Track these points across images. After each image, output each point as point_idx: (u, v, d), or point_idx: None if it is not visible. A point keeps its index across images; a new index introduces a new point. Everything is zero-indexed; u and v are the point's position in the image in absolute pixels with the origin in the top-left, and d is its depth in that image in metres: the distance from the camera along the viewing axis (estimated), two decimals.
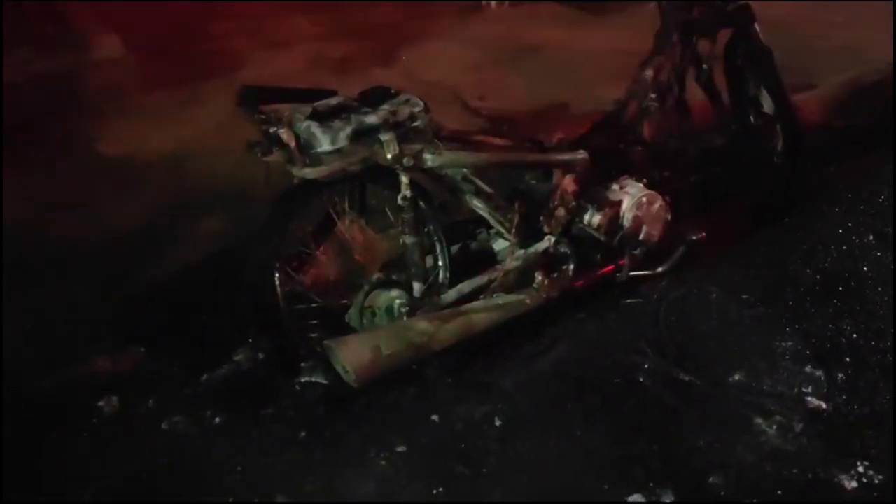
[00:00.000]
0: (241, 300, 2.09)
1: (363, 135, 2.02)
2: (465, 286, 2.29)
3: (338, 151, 1.99)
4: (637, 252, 2.51)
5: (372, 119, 2.03)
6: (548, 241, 2.39)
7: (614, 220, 2.45)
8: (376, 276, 2.24)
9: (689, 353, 2.27)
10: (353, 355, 2.01)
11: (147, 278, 2.52)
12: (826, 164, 3.25)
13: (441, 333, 2.15)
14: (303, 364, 2.26)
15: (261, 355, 2.34)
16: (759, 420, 2.01)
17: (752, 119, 2.79)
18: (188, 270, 2.56)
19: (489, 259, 2.44)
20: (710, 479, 1.85)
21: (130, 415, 2.13)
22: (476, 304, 2.26)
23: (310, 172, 1.99)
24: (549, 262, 2.40)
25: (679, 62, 2.59)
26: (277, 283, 2.09)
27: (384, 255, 2.28)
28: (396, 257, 2.27)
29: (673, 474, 1.88)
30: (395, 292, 2.24)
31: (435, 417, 2.09)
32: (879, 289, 2.48)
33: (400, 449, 2.00)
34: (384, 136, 2.02)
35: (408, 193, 2.10)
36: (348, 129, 2.00)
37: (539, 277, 2.37)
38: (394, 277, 2.26)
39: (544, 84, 3.65)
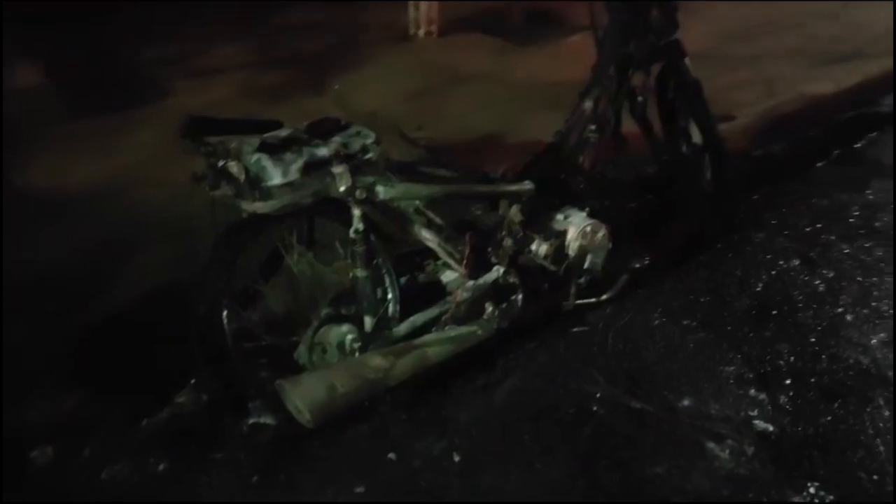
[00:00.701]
0: (188, 339, 1.99)
1: (315, 167, 1.98)
2: (417, 319, 2.27)
3: (289, 185, 1.94)
4: (582, 281, 2.55)
5: (323, 151, 1.99)
6: (496, 272, 2.40)
7: (560, 250, 2.48)
8: (325, 311, 2.19)
9: (638, 380, 2.31)
10: (307, 395, 1.95)
11: (81, 318, 2.38)
12: (750, 192, 3.39)
13: (396, 368, 2.11)
14: (250, 404, 2.19)
15: (205, 396, 2.24)
16: (711, 445, 2.06)
17: (683, 149, 2.88)
18: (125, 309, 2.43)
19: (437, 290, 2.42)
20: None
21: (67, 465, 2.00)
22: (429, 336, 2.24)
23: (261, 207, 1.93)
24: (498, 292, 2.40)
25: (615, 95, 2.65)
26: (225, 320, 2.02)
27: (333, 289, 2.24)
28: (345, 291, 2.23)
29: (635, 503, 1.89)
30: (345, 327, 2.20)
31: (392, 455, 2.06)
32: (810, 312, 2.59)
33: (358, 490, 1.96)
34: (337, 169, 1.98)
35: (360, 227, 2.07)
36: (300, 162, 1.95)
37: (489, 308, 2.36)
38: (343, 312, 2.22)
39: (479, 114, 3.68)
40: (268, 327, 2.16)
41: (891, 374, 2.31)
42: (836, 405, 2.20)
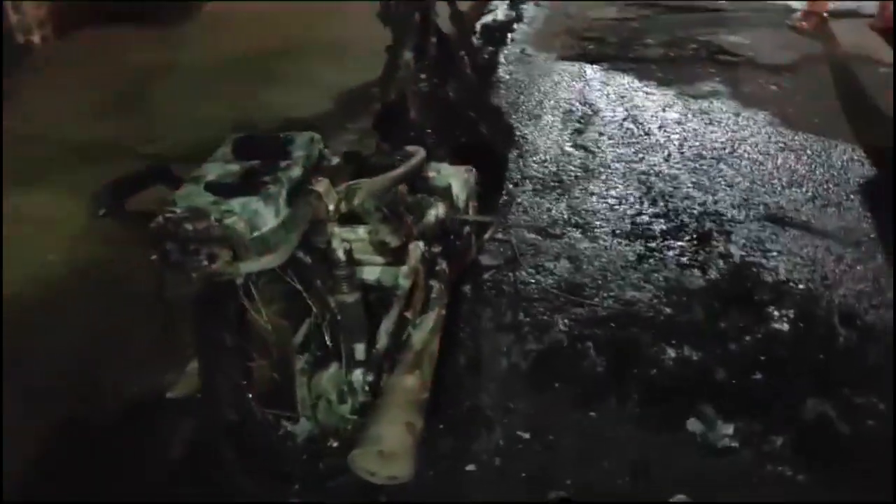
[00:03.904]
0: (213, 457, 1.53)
1: (294, 194, 1.60)
2: (387, 326, 2.03)
3: (283, 224, 1.55)
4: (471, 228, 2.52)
5: (297, 171, 1.62)
6: (418, 248, 2.23)
7: (453, 205, 2.41)
8: (305, 359, 1.84)
9: (589, 292, 2.41)
10: (397, 447, 1.65)
11: None
12: None
13: (426, 380, 1.89)
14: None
15: None
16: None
17: (470, 76, 2.97)
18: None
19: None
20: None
21: None
22: (418, 336, 2.02)
23: (270, 261, 1.52)
24: (430, 267, 2.25)
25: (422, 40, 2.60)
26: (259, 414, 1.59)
27: (291, 331, 1.88)
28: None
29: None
30: (333, 368, 1.87)
31: (472, 467, 1.86)
32: (629, 185, 2.96)
33: None
34: (320, 186, 1.63)
35: (347, 245, 1.76)
36: (284, 193, 1.56)
37: (436, 285, 2.21)
38: (318, 353, 1.89)
39: (204, 106, 3.20)
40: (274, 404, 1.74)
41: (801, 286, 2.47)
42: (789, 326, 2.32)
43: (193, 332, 1.57)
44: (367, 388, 1.86)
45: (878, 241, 2.57)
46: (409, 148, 2.26)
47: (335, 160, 1.73)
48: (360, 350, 1.87)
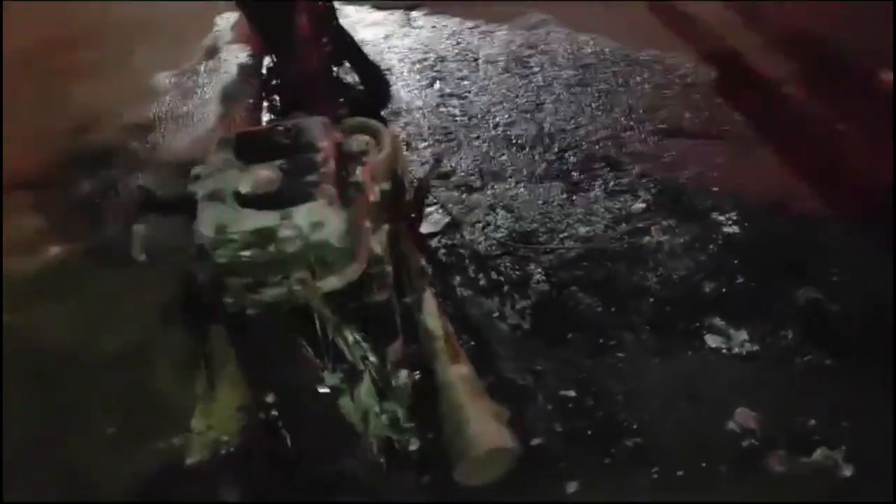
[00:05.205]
0: None
1: None
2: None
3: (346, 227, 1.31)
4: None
5: (332, 165, 1.37)
6: (381, 231, 2.04)
7: (395, 176, 2.22)
8: (332, 381, 1.62)
9: (544, 236, 2.36)
10: (502, 443, 1.51)
11: None
12: None
13: (470, 367, 1.75)
14: None
15: None
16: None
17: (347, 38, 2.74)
18: None
19: None
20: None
21: None
22: (433, 322, 1.85)
23: (354, 272, 1.30)
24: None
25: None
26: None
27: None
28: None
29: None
30: (367, 379, 1.66)
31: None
32: (520, 125, 2.92)
33: None
34: (361, 176, 1.40)
35: (384, 239, 1.54)
36: (335, 191, 1.32)
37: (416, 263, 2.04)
38: (344, 366, 1.66)
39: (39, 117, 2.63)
40: None
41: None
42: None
43: (259, 383, 1.29)
44: (410, 391, 1.68)
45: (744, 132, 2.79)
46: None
47: (354, 145, 1.48)
48: (394, 350, 1.67)
